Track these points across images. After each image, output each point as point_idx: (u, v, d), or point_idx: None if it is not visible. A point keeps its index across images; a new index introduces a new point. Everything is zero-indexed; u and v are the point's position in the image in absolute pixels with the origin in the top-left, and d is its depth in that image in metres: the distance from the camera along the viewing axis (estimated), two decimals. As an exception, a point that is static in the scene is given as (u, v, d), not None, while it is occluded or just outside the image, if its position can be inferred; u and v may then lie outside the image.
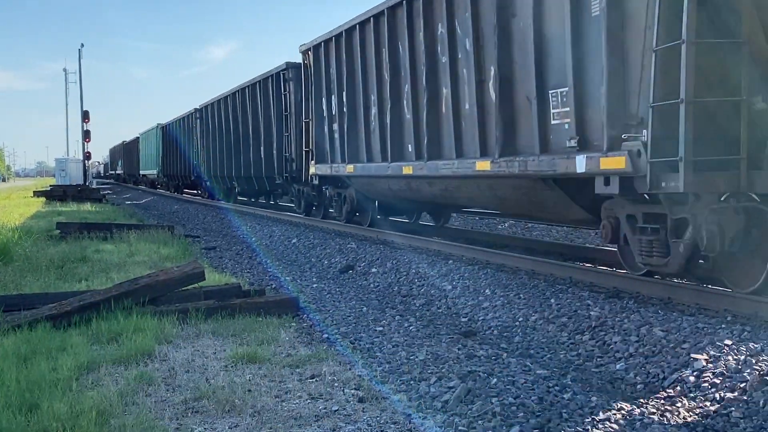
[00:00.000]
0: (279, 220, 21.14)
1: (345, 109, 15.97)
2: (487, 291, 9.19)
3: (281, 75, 21.74)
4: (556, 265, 9.99)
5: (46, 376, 5.60)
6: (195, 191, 41.16)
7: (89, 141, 50.01)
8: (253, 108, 25.25)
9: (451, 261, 11.17)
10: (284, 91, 21.54)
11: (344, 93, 15.98)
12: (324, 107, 17.45)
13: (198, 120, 34.47)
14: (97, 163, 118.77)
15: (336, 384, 5.56)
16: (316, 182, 18.55)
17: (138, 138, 61.27)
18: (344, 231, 16.68)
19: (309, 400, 5.21)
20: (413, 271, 11.08)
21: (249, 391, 5.38)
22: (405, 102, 13.48)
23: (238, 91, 27.37)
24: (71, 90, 71.68)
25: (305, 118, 18.81)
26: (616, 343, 6.80)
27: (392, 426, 4.73)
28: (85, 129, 49.57)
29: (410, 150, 13.23)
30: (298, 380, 5.68)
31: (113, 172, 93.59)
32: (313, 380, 5.67)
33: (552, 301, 8.24)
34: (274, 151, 22.88)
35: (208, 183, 33.51)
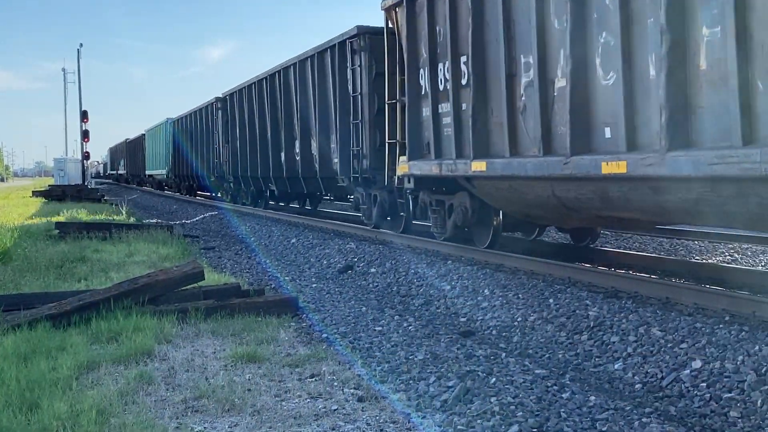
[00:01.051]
0: (278, 220, 21.13)
1: (469, 82, 11.02)
2: (485, 291, 9.21)
3: (348, 45, 16.47)
4: (555, 265, 10.00)
5: (46, 376, 5.61)
6: (208, 194, 36.73)
7: (88, 141, 49.98)
8: (302, 91, 20.05)
9: (449, 261, 11.19)
10: (353, 65, 16.34)
11: (468, 57, 10.98)
12: (425, 82, 12.51)
13: (220, 111, 29.68)
14: (96, 163, 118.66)
15: (335, 383, 5.58)
16: (410, 185, 13.44)
17: (143, 135, 56.10)
18: (343, 231, 16.69)
19: (308, 400, 5.23)
20: (412, 271, 11.09)
21: (248, 390, 5.40)
22: (598, 58, 8.45)
23: (279, 71, 22.03)
24: (70, 90, 71.54)
25: (390, 99, 14.00)
26: (614, 342, 6.82)
27: (391, 425, 4.74)
28: (83, 129, 49.53)
29: (608, 135, 8.43)
30: (298, 380, 5.70)
31: (114, 172, 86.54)
32: (313, 380, 5.68)
33: (551, 301, 8.26)
34: (334, 145, 17.90)
35: (231, 184, 29.34)
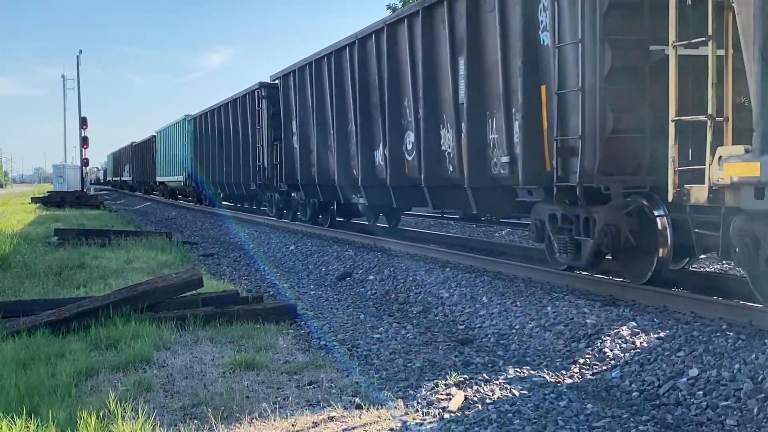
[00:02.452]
0: (276, 227, 21.14)
1: None
2: (483, 299, 9.22)
3: None
4: (553, 273, 10.01)
5: (45, 382, 5.62)
6: (235, 205, 32.12)
7: (87, 147, 50.02)
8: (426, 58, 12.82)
9: (448, 268, 11.20)
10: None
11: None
12: None
13: (265, 101, 22.91)
14: (95, 169, 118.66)
15: (333, 391, 5.59)
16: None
17: (153, 137, 49.36)
18: (342, 238, 16.70)
19: (307, 407, 5.25)
20: (410, 278, 11.11)
21: (247, 397, 5.42)
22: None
23: (382, 28, 14.50)
24: (69, 96, 71.24)
25: None
26: (611, 350, 6.84)
27: (389, 432, 4.76)
28: (82, 135, 49.56)
29: None
30: (296, 387, 5.72)
31: (117, 178, 78.04)
32: (311, 387, 5.70)
33: (548, 308, 8.28)
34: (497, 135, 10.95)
35: (279, 194, 22.82)
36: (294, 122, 19.78)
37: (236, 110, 27.19)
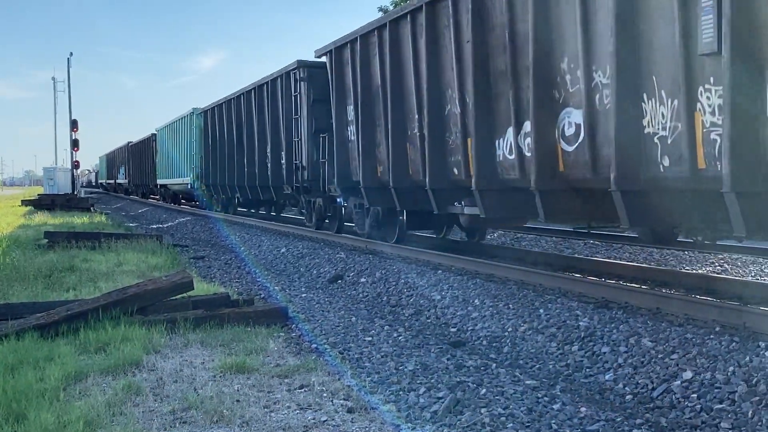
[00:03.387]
0: (266, 229, 21.07)
1: None
2: (476, 301, 9.19)
3: None
4: (545, 276, 9.99)
5: (34, 386, 5.56)
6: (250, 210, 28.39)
7: (78, 150, 49.88)
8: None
9: (440, 271, 11.17)
10: None
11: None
12: None
13: (304, 83, 18.58)
14: (87, 172, 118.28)
15: (325, 394, 5.55)
16: None
17: (153, 136, 45.21)
18: (333, 241, 16.66)
19: (298, 411, 5.20)
20: (402, 281, 11.07)
21: (237, 401, 5.36)
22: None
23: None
24: (60, 99, 70.85)
25: None
26: (605, 353, 6.81)
27: (381, 436, 4.72)
28: (73, 138, 49.42)
29: None
30: (287, 390, 5.67)
31: (111, 181, 72.51)
32: (302, 390, 5.65)
33: (541, 311, 8.25)
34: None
35: (342, 200, 17.15)
36: (351, 108, 15.31)
37: (262, 98, 22.40)
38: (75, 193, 48.93)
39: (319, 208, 18.72)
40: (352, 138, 15.38)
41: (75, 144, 49.53)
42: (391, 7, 35.14)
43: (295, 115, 19.11)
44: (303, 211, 20.05)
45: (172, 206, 38.33)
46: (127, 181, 59.52)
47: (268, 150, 21.99)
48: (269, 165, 21.97)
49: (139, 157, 51.73)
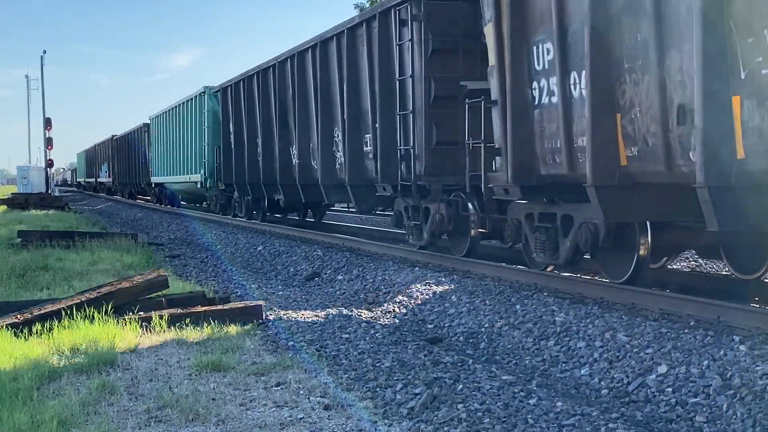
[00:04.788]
0: (244, 227, 20.97)
1: None
2: (453, 298, 9.20)
3: None
4: (522, 272, 10.02)
5: (7, 386, 5.51)
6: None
7: (51, 148, 49.50)
8: None
9: (417, 268, 11.17)
10: None
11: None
12: None
13: (414, 26, 12.23)
14: (62, 170, 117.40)
15: (301, 392, 5.53)
16: None
17: (145, 127, 39.68)
18: (310, 238, 16.61)
19: (274, 408, 5.18)
20: (379, 278, 11.06)
21: (213, 399, 5.34)
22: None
23: None
24: (33, 97, 70.07)
25: None
26: (580, 348, 6.84)
27: (358, 433, 4.71)
28: (47, 136, 49.05)
29: None
30: (263, 388, 5.65)
31: (92, 180, 65.81)
32: (279, 388, 5.63)
33: (517, 307, 8.27)
34: None
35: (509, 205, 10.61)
36: (548, 45, 8.99)
37: (327, 59, 15.77)
38: (49, 192, 48.51)
39: (440, 220, 11.98)
40: (552, 100, 8.99)
41: (49, 142, 49.17)
42: (367, 5, 35.08)
43: (400, 76, 12.58)
44: (410, 222, 13.08)
45: (168, 209, 32.41)
46: (111, 179, 52.90)
47: (339, 132, 15.31)
48: (340, 154, 15.34)
49: (126, 152, 45.75)
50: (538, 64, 9.20)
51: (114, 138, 50.86)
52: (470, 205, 11.61)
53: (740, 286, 8.90)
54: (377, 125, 13.45)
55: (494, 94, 10.00)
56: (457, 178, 11.73)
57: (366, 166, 14.34)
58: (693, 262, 11.39)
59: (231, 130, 22.80)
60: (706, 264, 11.19)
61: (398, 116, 12.73)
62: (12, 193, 47.56)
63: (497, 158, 10.21)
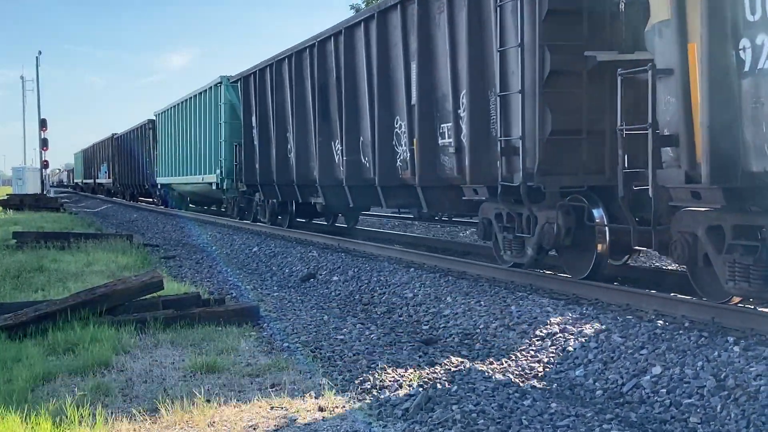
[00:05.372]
0: (239, 228, 20.95)
1: None
2: (448, 298, 9.20)
3: None
4: (517, 273, 10.01)
5: (1, 388, 5.51)
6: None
7: (47, 149, 49.47)
8: None
9: (412, 269, 11.17)
10: None
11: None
12: None
13: None
14: (58, 171, 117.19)
15: (296, 393, 5.53)
16: None
17: (149, 123, 37.00)
18: (305, 239, 16.60)
19: (269, 410, 5.18)
20: (375, 279, 11.06)
21: (208, 401, 5.33)
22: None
23: None
24: (29, 98, 69.71)
25: None
26: (575, 349, 6.84)
27: (352, 435, 4.71)
28: (42, 137, 49.01)
29: None
30: (258, 389, 5.65)
31: (90, 181, 63.66)
32: (273, 389, 5.63)
33: (513, 308, 8.27)
34: None
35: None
36: None
37: (388, 33, 12.83)
38: (44, 192, 48.46)
39: (554, 232, 9.22)
40: None
41: (44, 143, 49.15)
42: (363, 6, 35.01)
43: (501, 47, 9.65)
44: (506, 234, 10.27)
45: (172, 212, 30.17)
46: (111, 180, 50.10)
47: (403, 122, 12.50)
48: (404, 149, 12.52)
49: (128, 151, 43.00)
50: (752, 13, 6.40)
51: (114, 137, 48.07)
52: (597, 213, 9.09)
53: None
54: (461, 112, 10.65)
55: (666, 61, 7.33)
56: (578, 178, 9.21)
57: (442, 163, 11.39)
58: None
59: (254, 123, 19.68)
60: None
61: (497, 99, 9.79)
62: (7, 194, 47.53)
63: (668, 149, 7.43)
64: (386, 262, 12.19)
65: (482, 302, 8.74)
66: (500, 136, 9.72)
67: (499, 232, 10.39)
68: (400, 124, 12.56)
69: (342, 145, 14.51)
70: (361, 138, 13.95)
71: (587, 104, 9.02)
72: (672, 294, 8.06)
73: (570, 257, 9.55)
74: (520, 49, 9.19)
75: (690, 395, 5.46)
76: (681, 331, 6.53)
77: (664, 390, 5.64)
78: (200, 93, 26.31)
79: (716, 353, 5.88)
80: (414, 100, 11.86)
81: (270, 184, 18.68)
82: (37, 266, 12.49)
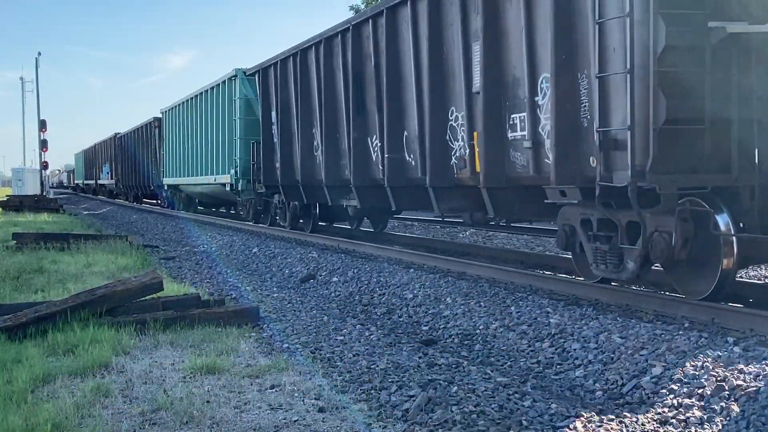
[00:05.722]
0: (239, 229, 20.95)
1: None
2: (448, 299, 9.20)
3: None
4: (517, 273, 10.02)
5: (1, 389, 5.50)
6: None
7: (46, 150, 49.49)
8: None
9: (412, 269, 11.17)
10: None
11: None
12: None
13: None
14: (58, 172, 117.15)
15: (296, 394, 5.53)
16: None
17: (155, 121, 35.43)
18: (305, 240, 16.60)
19: (269, 411, 5.18)
20: (374, 279, 11.06)
21: (208, 402, 5.33)
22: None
23: None
24: (28, 99, 69.58)
25: None
26: (575, 350, 6.84)
27: (352, 436, 4.71)
28: (42, 138, 49.01)
29: None
30: (258, 391, 5.64)
31: (91, 182, 62.40)
32: (273, 390, 5.63)
33: (512, 308, 8.27)
34: None
35: None
36: None
37: (441, 12, 11.11)
38: (44, 194, 48.44)
39: (666, 243, 7.65)
40: None
41: (44, 144, 49.14)
42: (363, 6, 35.01)
43: (599, 18, 7.88)
44: (598, 244, 8.60)
45: (180, 214, 28.81)
46: (113, 181, 48.52)
47: (460, 113, 10.83)
48: (461, 144, 10.83)
49: (132, 151, 41.42)
50: None
51: (117, 136, 46.41)
52: (722, 220, 7.58)
53: None
54: (539, 99, 9.04)
55: None
56: (699, 178, 7.63)
57: (512, 159, 9.75)
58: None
59: (274, 119, 18.07)
60: None
61: (592, 82, 8.06)
62: (7, 195, 47.51)
63: None
64: (386, 262, 12.20)
65: (482, 303, 8.74)
66: (599, 127, 7.92)
67: (586, 242, 8.76)
68: (456, 116, 10.92)
69: (381, 141, 12.97)
70: (405, 133, 12.42)
71: (711, 87, 7.47)
72: (672, 294, 8.06)
73: (683, 273, 7.93)
74: (629, 19, 7.45)
75: (690, 396, 5.46)
76: (681, 332, 6.53)
77: (664, 390, 5.64)
78: (212, 87, 24.61)
79: (716, 354, 5.88)
80: (477, 86, 10.14)
81: (293, 185, 17.14)
82: (37, 267, 12.48)
